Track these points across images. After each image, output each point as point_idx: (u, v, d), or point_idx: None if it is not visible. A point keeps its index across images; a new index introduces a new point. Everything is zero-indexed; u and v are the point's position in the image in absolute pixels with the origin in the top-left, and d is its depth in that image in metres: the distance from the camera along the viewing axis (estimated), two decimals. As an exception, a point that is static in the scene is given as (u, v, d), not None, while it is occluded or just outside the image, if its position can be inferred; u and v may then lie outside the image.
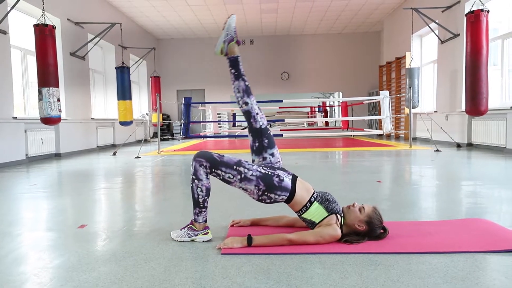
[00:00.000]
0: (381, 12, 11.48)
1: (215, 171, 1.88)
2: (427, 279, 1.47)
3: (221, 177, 1.89)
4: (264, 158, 2.05)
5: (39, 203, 3.08)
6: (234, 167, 1.87)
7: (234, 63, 2.06)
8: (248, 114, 2.05)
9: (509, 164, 4.80)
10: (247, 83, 2.08)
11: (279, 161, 2.07)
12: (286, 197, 1.90)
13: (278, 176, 1.90)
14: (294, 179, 1.95)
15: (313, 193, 1.95)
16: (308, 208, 1.90)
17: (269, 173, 1.90)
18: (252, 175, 1.87)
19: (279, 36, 14.14)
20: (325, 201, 1.92)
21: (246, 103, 2.05)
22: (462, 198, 2.93)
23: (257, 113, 2.05)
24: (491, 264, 1.62)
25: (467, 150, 6.79)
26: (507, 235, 1.89)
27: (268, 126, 2.08)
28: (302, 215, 1.92)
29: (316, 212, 1.89)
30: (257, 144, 2.06)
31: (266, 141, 2.05)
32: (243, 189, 1.90)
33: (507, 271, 1.54)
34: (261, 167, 1.93)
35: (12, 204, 3.06)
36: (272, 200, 1.91)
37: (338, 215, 1.90)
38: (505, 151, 6.23)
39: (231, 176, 1.87)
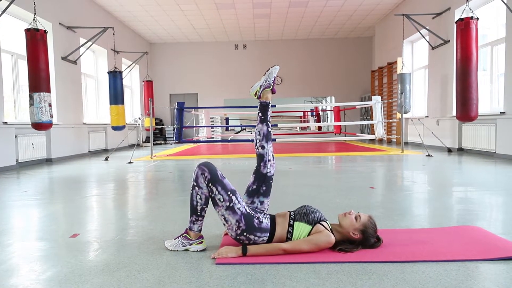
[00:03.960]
0: (372, 17, 11.61)
1: (212, 186, 1.88)
2: (420, 289, 1.48)
3: (212, 194, 1.89)
4: (253, 202, 2.05)
5: (30, 211, 3.04)
6: (229, 193, 1.88)
7: (264, 108, 2.13)
8: (260, 158, 2.08)
9: (499, 170, 4.87)
10: (269, 129, 2.12)
11: (264, 211, 2.06)
12: (266, 238, 1.89)
13: (258, 218, 1.90)
14: (272, 218, 1.95)
15: (289, 215, 1.95)
16: (292, 233, 1.90)
17: (251, 214, 1.91)
18: (239, 209, 1.87)
19: (272, 41, 14.20)
20: (303, 215, 1.92)
21: (263, 147, 2.08)
22: (454, 205, 2.96)
23: (269, 160, 2.08)
24: (483, 272, 1.64)
25: (458, 155, 6.88)
26: (498, 243, 1.92)
27: (272, 177, 2.10)
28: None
29: (299, 230, 1.89)
30: (254, 187, 2.06)
31: (264, 188, 2.06)
32: (224, 218, 1.88)
33: (498, 279, 1.56)
34: (247, 207, 1.94)
35: (2, 212, 3.01)
36: (252, 242, 1.89)
37: (323, 223, 1.90)
38: (494, 156, 6.32)
39: (222, 199, 1.87)
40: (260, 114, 2.13)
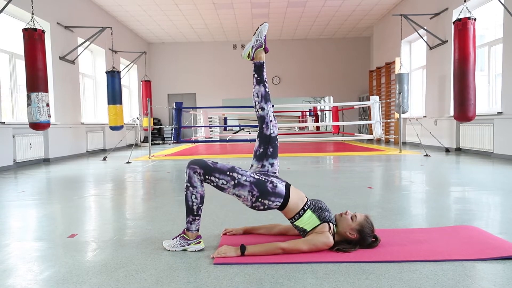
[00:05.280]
0: (371, 18, 11.62)
1: (209, 177, 1.88)
2: (418, 288, 1.48)
3: (214, 184, 1.89)
4: (263, 166, 2.06)
5: (28, 211, 3.03)
6: (228, 173, 1.87)
7: (258, 68, 2.11)
8: (262, 120, 2.08)
9: (497, 169, 4.89)
10: (267, 90, 2.11)
11: (275, 172, 2.08)
12: (280, 203, 1.90)
13: (271, 182, 1.91)
14: (287, 185, 1.96)
15: (307, 201, 1.96)
16: (301, 216, 1.91)
17: (263, 179, 1.91)
18: (245, 180, 1.87)
19: (270, 41, 14.18)
20: (318, 209, 1.93)
21: (263, 109, 2.08)
22: (451, 205, 2.97)
23: (270, 121, 2.08)
24: (480, 272, 1.64)
25: (455, 155, 6.89)
26: (495, 243, 1.93)
27: (277, 137, 2.11)
28: (295, 223, 1.93)
29: (308, 220, 1.90)
30: (261, 150, 2.07)
31: (271, 149, 2.07)
32: (236, 195, 1.90)
33: (495, 279, 1.56)
34: (255, 173, 1.94)
35: None
36: (266, 207, 1.91)
37: (330, 224, 1.91)
38: (492, 156, 6.34)
39: (225, 182, 1.87)
40: (255, 75, 2.11)
